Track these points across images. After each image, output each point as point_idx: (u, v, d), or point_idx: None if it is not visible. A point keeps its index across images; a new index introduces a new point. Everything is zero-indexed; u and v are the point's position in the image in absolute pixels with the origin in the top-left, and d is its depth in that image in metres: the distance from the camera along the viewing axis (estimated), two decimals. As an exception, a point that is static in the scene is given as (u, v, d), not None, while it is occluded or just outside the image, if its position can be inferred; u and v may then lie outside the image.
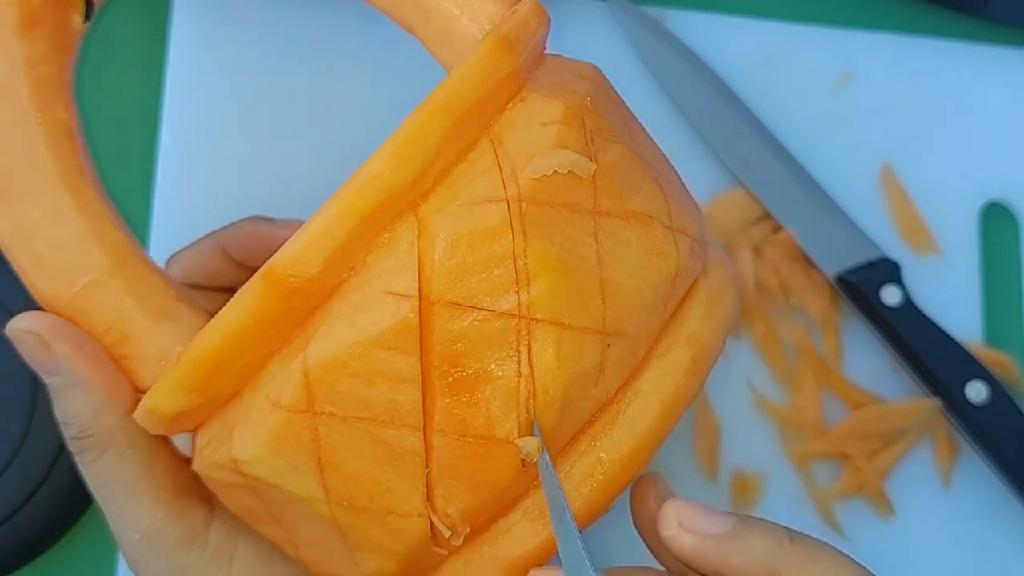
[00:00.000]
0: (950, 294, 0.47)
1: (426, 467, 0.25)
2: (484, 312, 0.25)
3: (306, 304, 0.25)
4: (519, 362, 0.25)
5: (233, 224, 0.35)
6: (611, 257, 0.26)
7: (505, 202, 0.25)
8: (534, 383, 0.25)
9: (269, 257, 0.34)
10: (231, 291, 0.35)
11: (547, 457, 0.25)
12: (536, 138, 0.26)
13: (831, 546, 0.26)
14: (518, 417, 0.25)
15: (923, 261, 0.47)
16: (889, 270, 0.45)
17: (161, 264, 0.35)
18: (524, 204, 0.25)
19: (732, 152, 0.46)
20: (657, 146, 0.31)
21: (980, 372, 0.44)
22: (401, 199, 0.25)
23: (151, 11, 0.46)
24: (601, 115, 0.28)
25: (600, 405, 0.27)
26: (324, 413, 0.25)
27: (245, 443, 0.25)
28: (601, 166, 0.27)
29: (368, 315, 0.24)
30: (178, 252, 0.35)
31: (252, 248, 0.34)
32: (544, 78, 0.28)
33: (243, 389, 0.26)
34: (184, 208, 0.44)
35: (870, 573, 0.26)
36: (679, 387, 0.27)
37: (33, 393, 0.40)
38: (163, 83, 0.45)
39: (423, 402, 0.25)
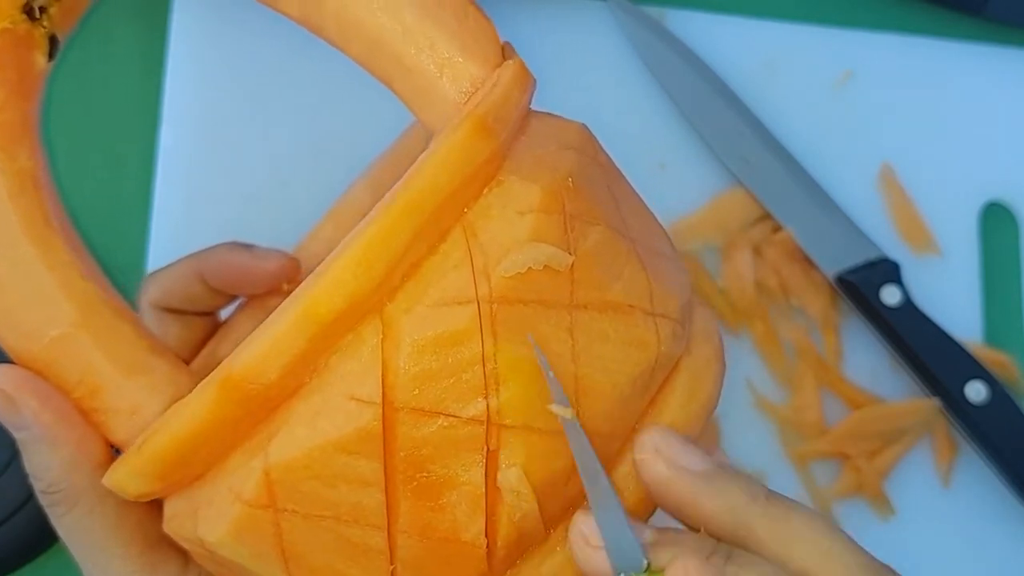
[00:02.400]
0: (950, 294, 0.47)
1: (391, 564, 0.25)
2: (450, 418, 0.24)
3: (265, 405, 0.24)
4: (486, 467, 0.24)
5: (210, 250, 0.34)
6: (587, 353, 0.25)
7: (476, 303, 0.24)
8: (501, 489, 0.24)
9: (246, 286, 0.34)
10: (207, 315, 0.35)
11: (577, 424, 0.24)
12: (512, 229, 0.25)
13: (806, 507, 0.25)
14: (484, 520, 0.24)
15: (923, 261, 0.47)
16: (889, 270, 0.45)
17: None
18: (496, 305, 0.24)
19: (732, 152, 0.46)
20: (646, 209, 0.30)
21: (980, 372, 0.44)
22: (366, 302, 0.24)
23: (151, 11, 0.46)
24: (583, 194, 0.26)
25: (571, 502, 0.26)
26: (286, 510, 0.24)
27: (209, 527, 0.25)
28: (580, 255, 0.25)
29: (330, 419, 0.24)
30: (155, 273, 0.34)
31: (229, 278, 0.34)
32: (524, 152, 0.26)
33: (206, 474, 0.26)
34: (184, 208, 0.44)
35: (844, 535, 0.25)
36: None
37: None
38: (163, 83, 0.45)
39: (387, 503, 0.24)
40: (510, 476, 0.24)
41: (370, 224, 0.24)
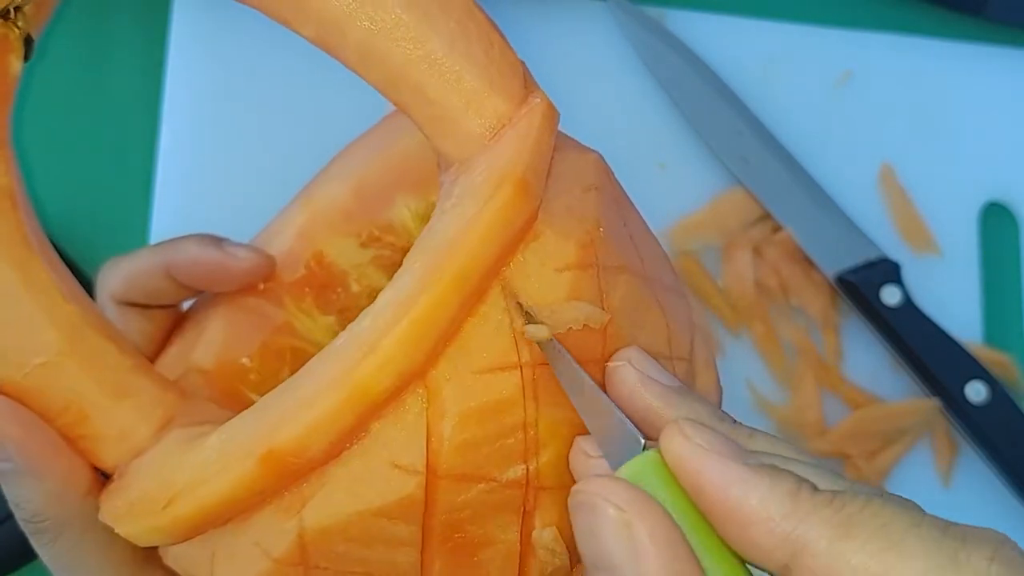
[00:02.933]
0: (950, 294, 0.47)
1: None
2: (491, 483, 0.24)
3: (304, 471, 0.24)
4: (522, 526, 0.24)
5: (178, 243, 0.32)
6: None
7: (519, 368, 0.24)
8: (535, 546, 0.25)
9: (217, 284, 0.32)
10: (169, 308, 0.34)
11: (555, 342, 0.24)
12: (550, 289, 0.24)
13: (777, 441, 0.24)
14: (516, 573, 0.25)
15: (923, 261, 0.47)
16: (889, 270, 0.45)
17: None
18: (537, 369, 0.24)
19: (732, 152, 0.46)
20: (651, 235, 0.30)
21: (980, 372, 0.44)
22: (412, 374, 0.23)
23: (151, 11, 0.46)
24: (610, 241, 0.26)
25: None
26: (318, 567, 0.24)
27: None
28: (610, 310, 0.25)
29: (371, 486, 0.23)
30: (116, 263, 0.32)
31: (199, 275, 0.32)
32: (554, 200, 0.25)
33: (226, 526, 0.25)
34: (184, 208, 0.44)
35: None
36: None
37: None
38: (163, 83, 0.45)
39: (421, 561, 0.24)
40: (545, 536, 0.24)
41: (419, 296, 0.23)
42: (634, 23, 0.47)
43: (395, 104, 0.26)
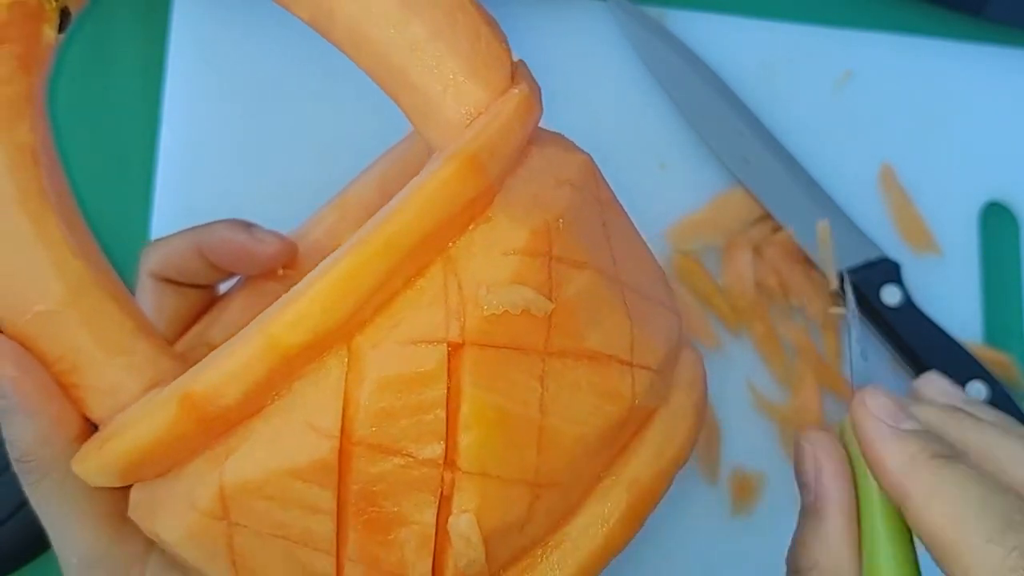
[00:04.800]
0: (950, 294, 0.47)
1: None
2: (406, 458, 0.24)
3: (225, 423, 0.24)
4: (439, 509, 0.24)
5: (212, 225, 0.34)
6: (555, 403, 0.25)
7: (445, 344, 0.24)
8: (450, 533, 0.24)
9: (243, 266, 0.34)
10: (204, 288, 0.35)
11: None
12: (493, 270, 0.24)
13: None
14: (431, 561, 0.24)
15: (923, 261, 0.47)
16: (889, 270, 0.45)
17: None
18: (467, 347, 0.24)
19: (732, 152, 0.46)
20: (641, 245, 0.30)
21: (980, 372, 0.44)
22: (332, 335, 0.23)
23: (151, 11, 0.46)
24: (574, 236, 0.26)
25: (523, 550, 0.26)
26: (239, 524, 0.24)
27: (165, 527, 0.25)
28: (560, 302, 0.25)
29: (287, 445, 0.24)
30: (156, 243, 0.35)
31: (228, 256, 0.34)
32: (519, 187, 0.26)
33: (168, 472, 0.26)
34: (184, 208, 0.44)
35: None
36: (610, 536, 0.26)
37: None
38: (163, 83, 0.45)
39: (336, 531, 0.24)
40: (461, 523, 0.24)
41: (343, 257, 0.23)
42: (634, 23, 0.47)
43: (384, 90, 0.27)
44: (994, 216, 0.49)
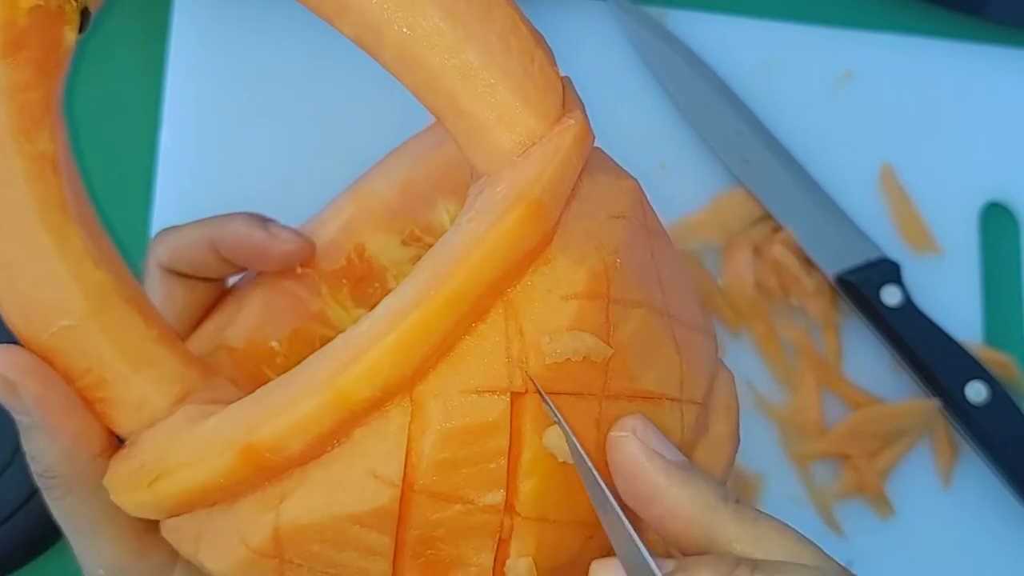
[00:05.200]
0: (950, 294, 0.47)
1: None
2: (468, 505, 0.24)
3: (283, 470, 0.24)
4: (496, 552, 0.24)
5: (227, 219, 0.33)
6: None
7: (508, 394, 0.23)
8: (507, 575, 0.24)
9: (258, 263, 0.33)
10: (214, 281, 0.34)
11: (582, 455, 0.24)
12: (554, 315, 0.24)
13: (788, 529, 0.24)
14: None
15: (923, 261, 0.47)
16: (889, 270, 0.45)
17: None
18: (528, 395, 0.24)
19: (732, 152, 0.46)
20: (682, 268, 0.29)
21: (980, 372, 0.44)
22: (398, 387, 0.23)
23: (151, 11, 0.46)
24: (628, 273, 0.25)
25: None
26: (292, 562, 0.24)
27: (211, 557, 0.25)
28: (617, 344, 0.25)
29: (347, 492, 0.23)
30: (166, 233, 0.33)
31: (242, 251, 0.33)
32: (574, 223, 0.25)
33: (214, 507, 0.25)
34: (184, 208, 0.44)
35: (809, 540, 0.24)
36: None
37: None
38: (163, 83, 0.45)
39: (392, 573, 0.24)
40: (520, 567, 0.24)
41: (413, 310, 0.23)
42: (635, 23, 0.47)
43: (430, 110, 0.26)
44: (994, 216, 0.49)
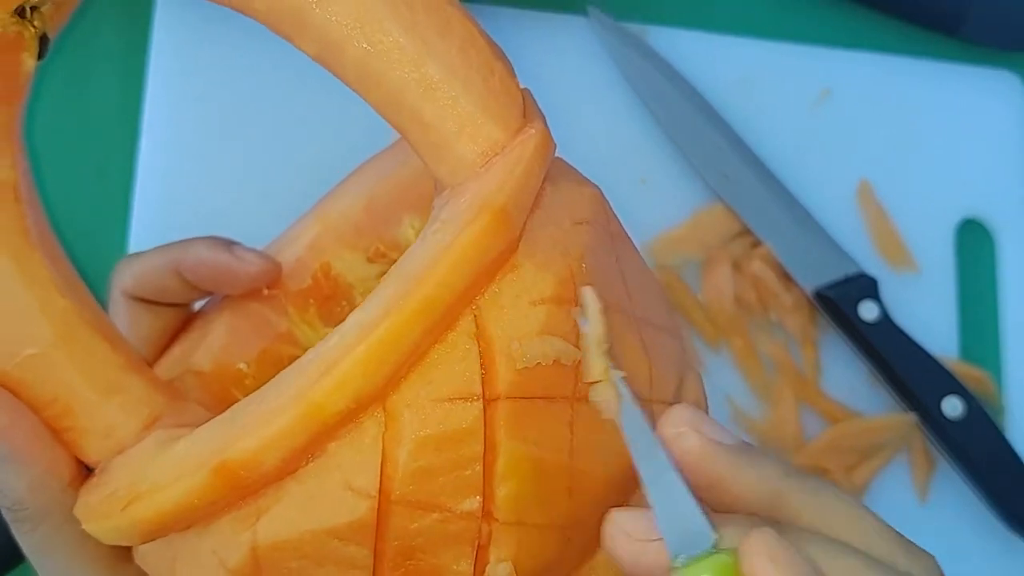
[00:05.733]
0: (927, 310, 0.47)
1: None
2: (445, 512, 0.24)
3: (258, 487, 0.24)
4: (476, 559, 0.24)
5: (189, 244, 0.33)
6: (584, 446, 0.25)
7: (480, 400, 0.23)
8: None
9: (224, 286, 0.33)
10: (180, 307, 0.34)
11: (632, 407, 0.23)
12: (523, 322, 0.24)
13: (830, 482, 0.24)
14: None
15: (900, 277, 0.48)
16: (866, 286, 0.45)
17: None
18: (501, 401, 0.24)
19: (712, 168, 0.47)
20: (648, 274, 0.30)
21: (956, 387, 0.44)
22: (370, 397, 0.23)
23: (132, 20, 0.46)
24: (594, 277, 0.26)
25: None
26: None
27: None
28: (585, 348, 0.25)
29: (324, 505, 0.23)
30: (129, 260, 0.33)
31: (207, 276, 0.33)
32: (539, 230, 0.25)
33: (189, 530, 0.25)
34: (163, 223, 0.44)
35: (869, 509, 0.24)
36: None
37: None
38: (143, 92, 0.45)
39: None
40: (500, 572, 0.24)
41: (382, 320, 0.23)
42: (615, 39, 0.47)
43: (393, 126, 0.26)
44: (970, 233, 0.49)
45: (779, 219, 0.46)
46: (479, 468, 0.23)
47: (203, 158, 0.45)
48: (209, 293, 0.34)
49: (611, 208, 0.28)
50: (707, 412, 0.29)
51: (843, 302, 0.45)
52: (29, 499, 0.27)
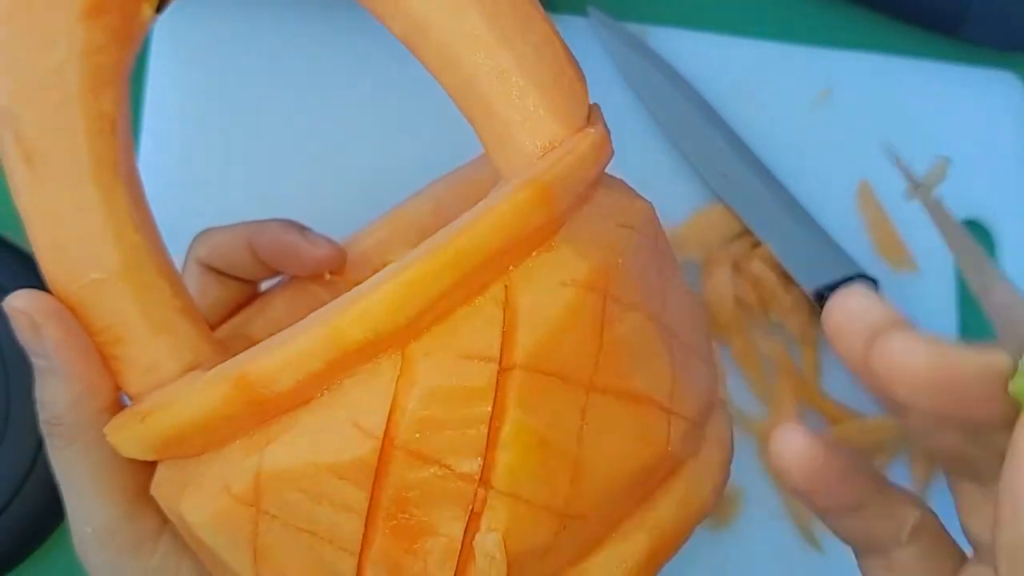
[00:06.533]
0: (926, 310, 0.48)
1: None
2: (444, 469, 0.24)
3: (273, 409, 0.25)
4: (467, 525, 0.24)
5: (265, 223, 0.35)
6: (593, 437, 0.25)
7: (497, 363, 0.24)
8: (475, 551, 0.24)
9: (291, 266, 0.35)
10: (248, 283, 0.36)
11: (940, 203, 0.22)
12: (551, 298, 0.25)
13: None
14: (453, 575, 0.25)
15: (900, 277, 0.48)
16: (867, 286, 0.45)
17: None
18: (517, 369, 0.24)
19: (712, 168, 0.47)
20: (689, 296, 0.30)
21: (956, 388, 0.44)
22: (392, 337, 0.24)
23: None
24: (631, 277, 0.26)
25: None
26: (268, 513, 0.25)
27: (192, 507, 0.25)
28: (610, 339, 0.25)
29: (330, 440, 0.24)
30: (208, 231, 0.35)
31: (278, 254, 0.34)
32: (583, 224, 0.26)
33: (203, 454, 0.26)
34: (163, 217, 0.44)
35: None
36: None
37: (5, 414, 0.40)
38: (144, 91, 0.45)
39: (364, 532, 0.24)
40: (488, 541, 0.24)
41: (412, 263, 0.24)
42: (615, 39, 0.47)
43: (463, 112, 0.27)
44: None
45: (779, 220, 0.46)
46: (484, 430, 0.24)
47: (203, 158, 0.45)
48: (277, 273, 0.36)
49: (661, 227, 0.29)
50: (732, 451, 0.30)
51: (843, 302, 0.45)
52: (68, 415, 0.28)
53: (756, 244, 0.46)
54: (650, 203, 0.29)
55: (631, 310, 0.26)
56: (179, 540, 0.29)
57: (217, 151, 0.45)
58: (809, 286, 0.46)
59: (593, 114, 0.28)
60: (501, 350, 0.24)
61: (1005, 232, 0.49)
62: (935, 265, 0.48)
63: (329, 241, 0.35)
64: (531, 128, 0.26)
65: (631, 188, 0.29)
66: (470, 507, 0.24)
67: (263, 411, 0.24)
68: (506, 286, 0.25)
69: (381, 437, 0.24)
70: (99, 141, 0.28)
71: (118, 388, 0.28)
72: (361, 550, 0.24)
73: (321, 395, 0.24)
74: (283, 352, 0.24)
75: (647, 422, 0.26)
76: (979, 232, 0.49)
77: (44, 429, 0.29)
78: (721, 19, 0.50)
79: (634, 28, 0.48)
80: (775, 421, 0.45)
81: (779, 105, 0.49)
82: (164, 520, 0.29)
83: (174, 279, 0.29)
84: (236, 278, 0.35)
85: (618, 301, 0.26)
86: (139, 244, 0.28)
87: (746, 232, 0.46)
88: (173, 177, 0.44)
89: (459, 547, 0.24)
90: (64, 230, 0.27)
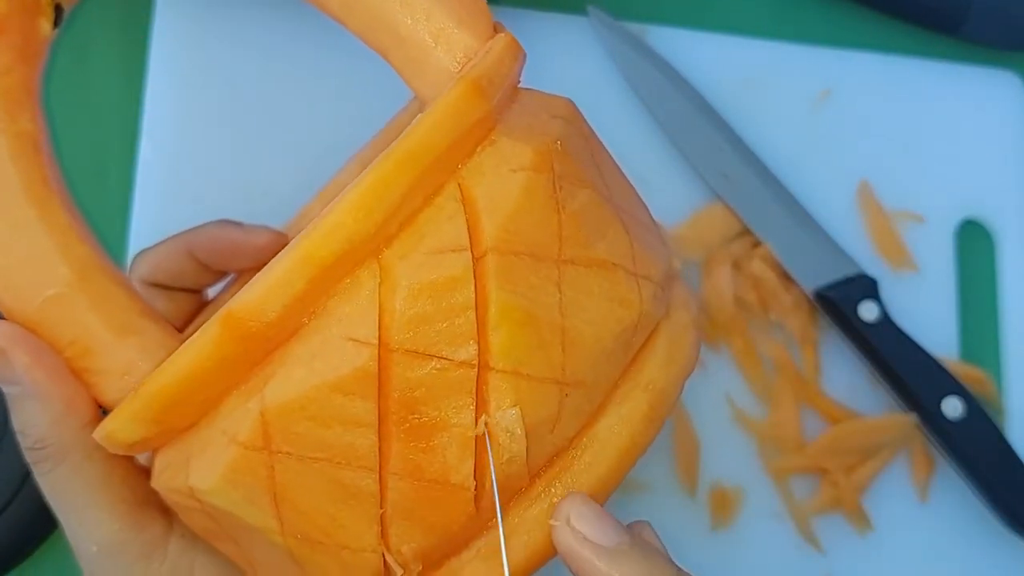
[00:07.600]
0: (926, 310, 0.47)
1: (380, 508, 0.25)
2: (443, 361, 0.25)
3: (264, 346, 0.25)
4: (476, 411, 0.25)
5: (200, 227, 0.34)
6: (573, 306, 0.26)
7: (469, 251, 0.25)
8: (490, 432, 0.25)
9: (235, 261, 0.35)
10: (194, 292, 0.35)
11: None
12: (504, 185, 0.26)
13: None
14: (473, 463, 0.25)
15: (900, 277, 0.48)
16: (866, 286, 0.45)
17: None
18: (489, 254, 0.25)
19: (712, 168, 0.47)
20: (627, 182, 0.31)
21: (956, 388, 0.44)
22: (363, 247, 0.25)
23: (131, 20, 0.46)
24: (571, 158, 0.27)
25: (556, 451, 0.27)
26: (281, 452, 0.25)
27: (202, 474, 0.25)
28: (568, 213, 0.26)
29: (327, 360, 0.24)
30: (144, 251, 0.35)
31: (218, 252, 0.34)
32: (516, 118, 0.27)
33: (200, 421, 0.26)
34: (163, 218, 0.44)
35: None
36: (635, 435, 0.27)
37: (3, 416, 0.40)
38: (143, 92, 0.45)
39: (379, 445, 0.25)
40: (507, 417, 0.25)
41: (369, 173, 0.24)
42: (615, 38, 0.47)
43: (375, 50, 0.28)
44: (970, 233, 0.49)
45: (779, 219, 0.46)
46: (472, 315, 0.25)
47: (203, 156, 0.45)
48: (222, 275, 0.36)
49: (584, 118, 0.30)
50: (696, 312, 0.31)
51: (843, 302, 0.45)
52: (50, 436, 0.27)
53: (756, 244, 0.46)
54: (570, 99, 0.30)
55: (580, 187, 0.27)
56: (188, 538, 0.29)
57: (216, 151, 0.45)
58: (809, 286, 0.46)
59: (499, 26, 0.29)
60: (470, 240, 0.25)
61: (1005, 232, 0.49)
62: (935, 265, 0.48)
63: (267, 228, 0.35)
64: (445, 44, 0.27)
65: (548, 93, 0.30)
66: (475, 393, 0.25)
67: (255, 350, 0.25)
68: (459, 184, 0.26)
69: (376, 344, 0.24)
70: (24, 160, 0.28)
71: (96, 402, 0.28)
72: (380, 464, 0.25)
73: (308, 322, 0.25)
74: (264, 282, 0.24)
75: (619, 286, 0.27)
76: (979, 232, 0.49)
77: (29, 457, 0.28)
78: (721, 19, 0.50)
79: (634, 27, 0.48)
80: (775, 421, 0.45)
81: (779, 105, 0.49)
82: (170, 522, 0.29)
83: (127, 285, 0.29)
84: (183, 289, 0.35)
85: (566, 178, 0.27)
86: (86, 254, 0.28)
87: (746, 232, 0.46)
88: (172, 177, 0.44)
89: (473, 434, 0.25)
90: (8, 255, 0.27)
